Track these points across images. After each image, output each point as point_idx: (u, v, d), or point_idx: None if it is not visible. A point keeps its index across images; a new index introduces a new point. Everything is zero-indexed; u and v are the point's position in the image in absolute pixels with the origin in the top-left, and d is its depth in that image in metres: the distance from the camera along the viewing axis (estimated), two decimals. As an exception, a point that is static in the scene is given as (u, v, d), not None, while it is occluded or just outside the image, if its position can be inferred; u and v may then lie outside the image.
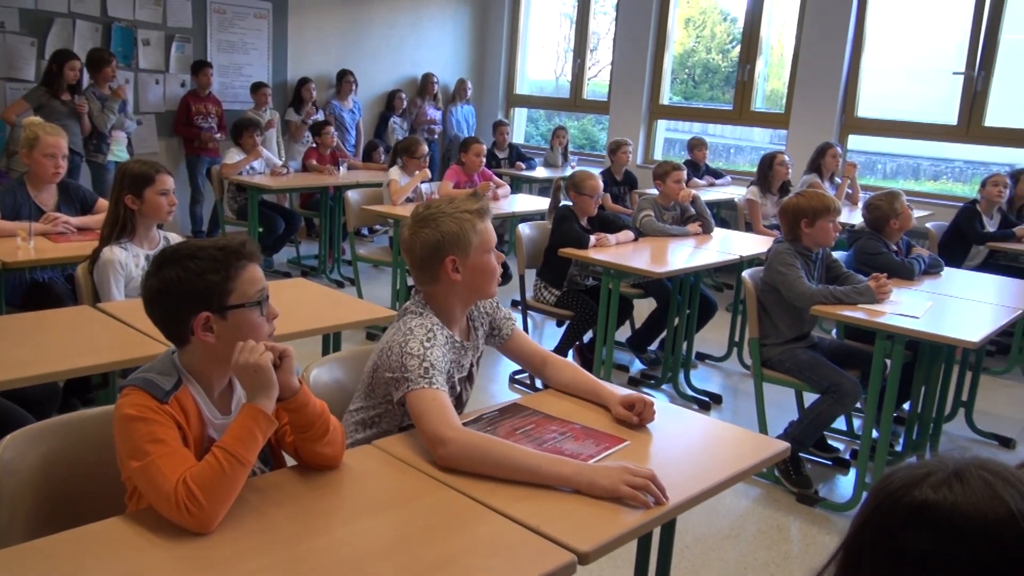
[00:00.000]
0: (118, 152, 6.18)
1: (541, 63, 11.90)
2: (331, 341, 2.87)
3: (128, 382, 1.53)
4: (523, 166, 7.64)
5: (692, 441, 1.99)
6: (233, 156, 6.13)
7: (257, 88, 7.14)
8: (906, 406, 3.81)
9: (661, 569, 2.16)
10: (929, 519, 0.84)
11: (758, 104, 7.90)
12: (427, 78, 8.55)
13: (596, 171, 5.31)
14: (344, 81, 7.81)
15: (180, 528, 1.40)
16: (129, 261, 2.92)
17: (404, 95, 8.39)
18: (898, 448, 3.87)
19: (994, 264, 5.27)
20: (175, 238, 3.01)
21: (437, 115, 8.60)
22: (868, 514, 0.88)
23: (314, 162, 6.64)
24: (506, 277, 5.49)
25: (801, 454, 3.49)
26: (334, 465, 1.68)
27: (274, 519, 1.48)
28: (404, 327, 1.90)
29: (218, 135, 6.90)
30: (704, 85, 13.66)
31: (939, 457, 0.89)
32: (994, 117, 6.45)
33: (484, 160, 5.97)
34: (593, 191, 4.39)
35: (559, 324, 4.90)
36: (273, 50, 7.66)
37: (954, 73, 6.55)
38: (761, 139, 11.84)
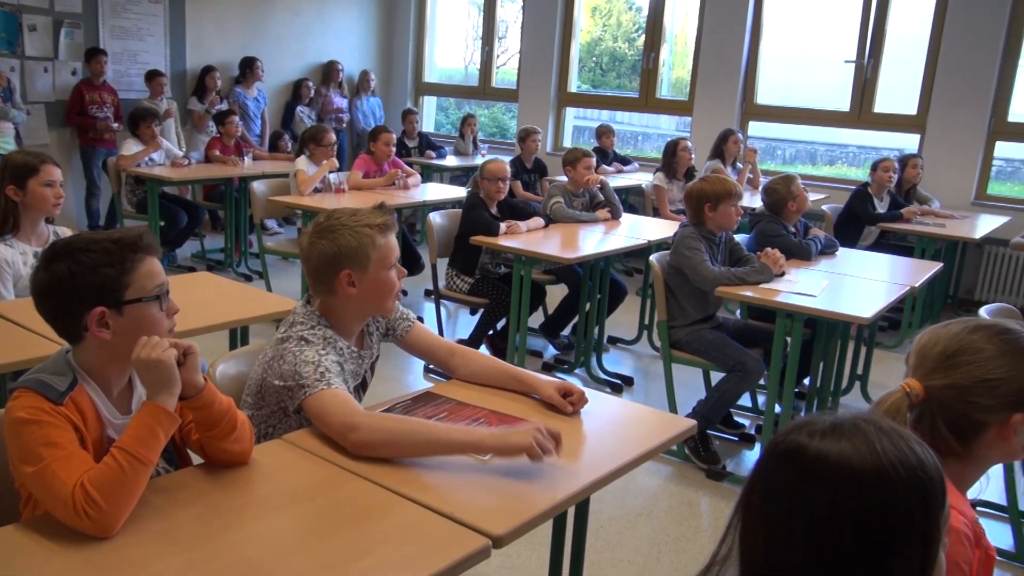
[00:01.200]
0: (4, 144, 5.86)
1: (450, 51, 11.83)
2: (238, 336, 2.80)
3: (18, 384, 1.46)
4: (433, 155, 7.60)
5: (604, 422, 2.03)
6: (130, 147, 5.89)
7: (152, 76, 6.87)
8: (806, 381, 3.97)
9: (576, 549, 2.20)
10: (796, 460, 0.90)
11: (663, 92, 8.07)
12: (331, 65, 8.40)
13: (506, 159, 5.34)
14: (249, 69, 7.60)
15: (80, 534, 1.35)
16: (16, 259, 2.78)
17: (311, 83, 8.23)
18: (800, 422, 4.03)
19: (885, 244, 5.53)
20: (66, 232, 2.87)
21: (344, 103, 8.46)
22: (758, 460, 0.96)
23: (217, 152, 6.44)
24: (418, 267, 5.48)
25: (709, 431, 3.61)
26: (242, 462, 1.64)
27: (180, 519, 1.45)
28: (295, 335, 1.86)
29: (116, 125, 6.62)
30: (611, 73, 13.84)
31: (832, 413, 0.95)
32: (883, 104, 6.77)
33: (394, 150, 5.92)
34: (493, 174, 4.40)
35: (472, 312, 4.91)
36: (170, 37, 7.38)
37: (846, 62, 6.83)
38: (667, 126, 12.09)
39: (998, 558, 2.98)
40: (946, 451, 1.33)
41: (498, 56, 9.19)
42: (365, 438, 1.68)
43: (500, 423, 1.92)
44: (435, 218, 4.54)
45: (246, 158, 6.55)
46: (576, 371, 4.59)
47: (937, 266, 4.21)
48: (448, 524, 1.48)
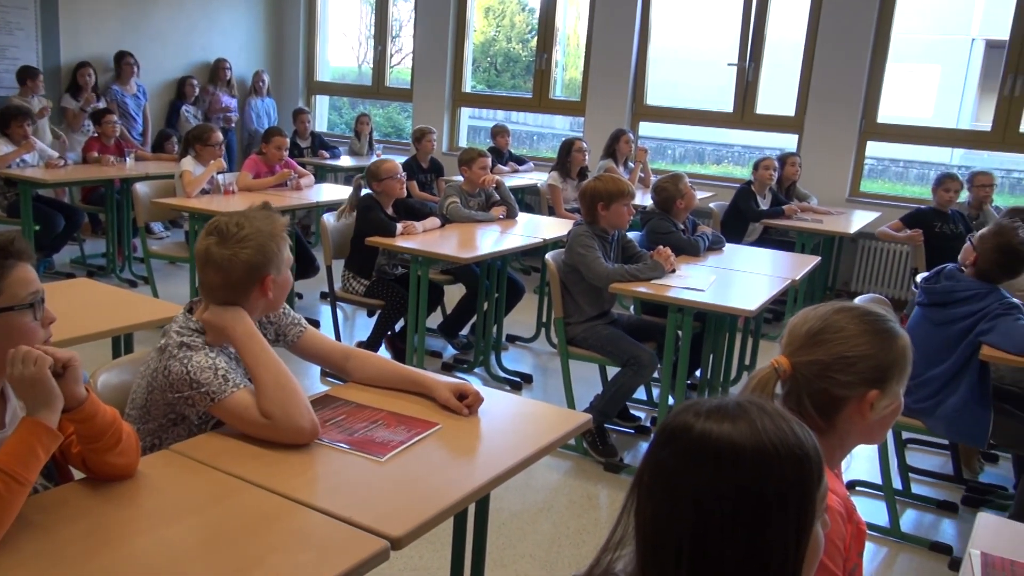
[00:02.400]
0: None
1: (343, 50, 11.65)
2: (122, 344, 2.69)
3: None
4: (326, 155, 7.47)
5: (502, 420, 2.05)
6: (0, 148, 5.55)
7: (24, 73, 6.49)
8: (698, 373, 4.11)
9: (477, 546, 2.21)
10: (682, 439, 0.95)
11: (557, 92, 8.19)
12: (219, 64, 8.14)
13: (402, 159, 5.31)
14: (123, 64, 7.28)
15: (-52, 558, 1.27)
16: None
17: (196, 82, 7.95)
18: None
19: (768, 239, 5.79)
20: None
21: (232, 103, 8.21)
22: (650, 441, 1.00)
23: (95, 153, 6.14)
24: (313, 269, 5.38)
25: (606, 425, 3.69)
26: (128, 475, 1.58)
27: (63, 538, 1.38)
28: (174, 343, 1.80)
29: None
30: (506, 74, 13.97)
31: (720, 396, 1.00)
32: (764, 105, 7.07)
33: (286, 153, 5.78)
34: (390, 172, 4.37)
35: (370, 314, 4.86)
36: (42, 31, 6.99)
37: (728, 64, 7.10)
38: (562, 126, 12.30)
39: (875, 534, 3.17)
40: (812, 428, 1.41)
41: (392, 55, 9.12)
42: (315, 423, 1.77)
43: (399, 424, 1.91)
44: (329, 219, 4.46)
45: (128, 159, 6.27)
46: (475, 370, 4.61)
47: (816, 260, 4.43)
48: (345, 528, 1.46)
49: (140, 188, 5.10)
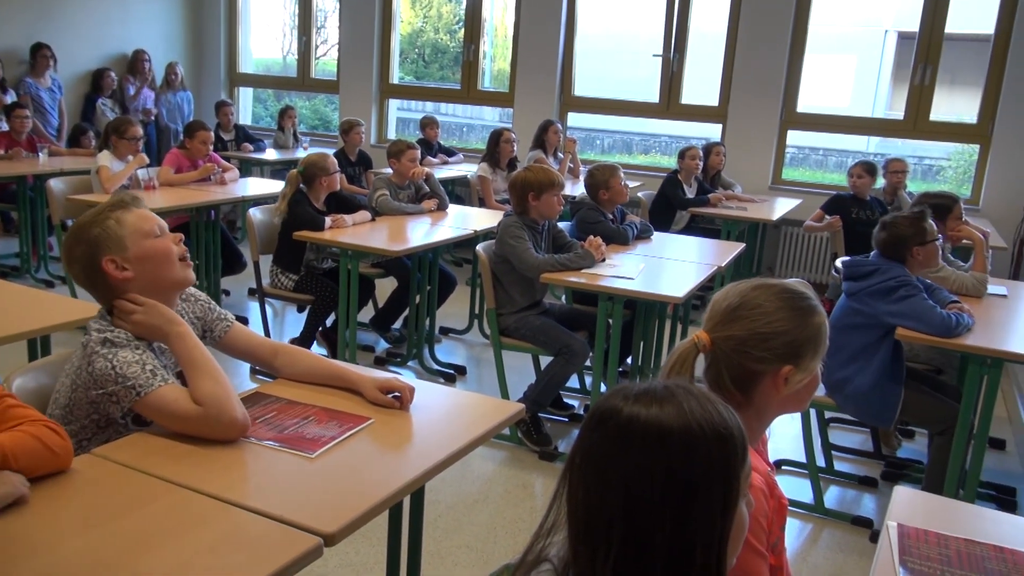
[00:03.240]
0: None
1: (267, 41, 11.40)
2: (38, 346, 2.59)
3: None
4: (251, 148, 7.31)
5: (435, 412, 2.04)
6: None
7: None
8: (629, 360, 4.18)
9: (413, 539, 2.21)
10: (611, 422, 0.97)
11: (486, 83, 8.18)
12: (137, 56, 7.89)
13: (330, 151, 5.22)
14: (39, 56, 6.98)
15: None
16: None
17: (113, 74, 7.68)
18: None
19: (695, 227, 5.90)
20: None
21: (151, 96, 7.97)
22: (581, 425, 1.02)
23: (2, 151, 5.88)
24: (240, 265, 5.27)
25: (540, 414, 3.72)
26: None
27: (-24, 549, 1.33)
28: (96, 339, 1.76)
29: None
30: (435, 65, 13.87)
31: (649, 380, 1.03)
32: (689, 96, 7.20)
33: (211, 147, 5.64)
34: (327, 168, 4.32)
35: (300, 310, 4.79)
36: (-56, 21, 6.67)
37: (654, 55, 7.20)
38: (492, 117, 12.28)
39: (800, 511, 3.27)
40: (731, 402, 1.45)
41: (318, 46, 8.96)
42: (245, 416, 1.74)
43: (330, 420, 1.89)
44: (255, 214, 4.37)
45: (41, 154, 6.03)
46: (409, 363, 4.58)
47: (740, 246, 4.54)
48: (276, 526, 1.44)
49: (55, 184, 4.92)
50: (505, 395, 3.71)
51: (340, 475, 1.64)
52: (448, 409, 2.10)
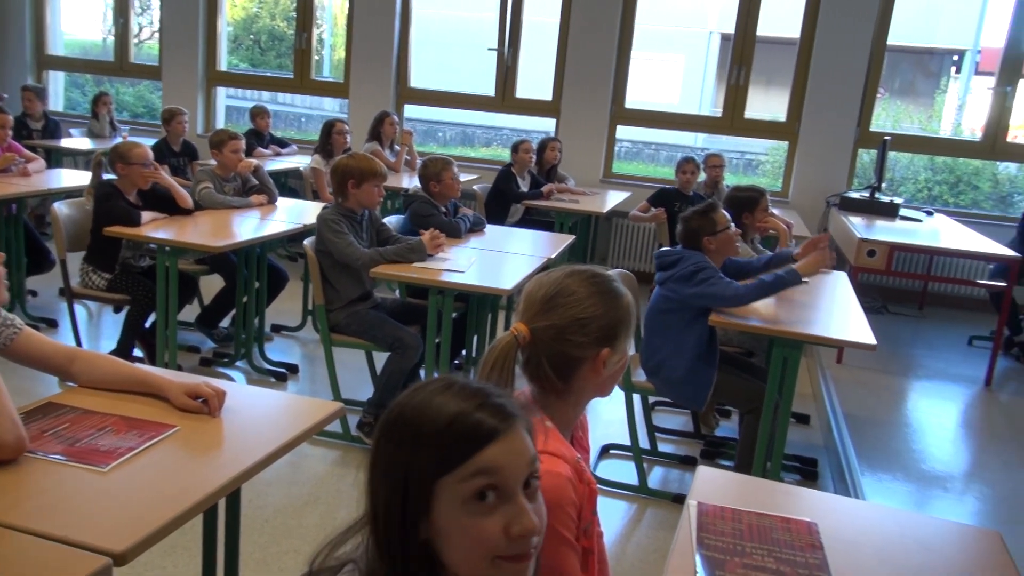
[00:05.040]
0: None
1: (83, 20, 10.61)
2: None
3: None
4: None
5: (249, 415, 1.96)
6: None
7: None
8: (464, 352, 4.20)
9: (230, 547, 2.13)
10: (384, 417, 1.00)
11: (325, 72, 7.99)
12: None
13: (151, 141, 4.93)
14: None
15: None
16: None
17: None
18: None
19: (530, 220, 6.01)
20: None
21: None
22: None
23: None
24: (47, 263, 4.89)
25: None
26: None
27: None
28: None
29: None
30: (271, 52, 13.38)
31: (451, 375, 1.04)
32: (524, 90, 7.31)
33: (11, 133, 5.18)
34: (141, 159, 4.05)
35: (116, 311, 4.49)
36: None
37: (489, 49, 7.26)
38: (331, 108, 11.98)
39: (626, 492, 3.40)
40: (550, 390, 1.48)
41: (142, 29, 8.43)
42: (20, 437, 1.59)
43: (130, 430, 1.78)
44: (61, 208, 4.05)
45: None
46: (238, 363, 4.40)
47: (570, 238, 4.66)
48: (60, 549, 1.33)
49: None
50: (337, 393, 3.64)
51: (136, 488, 1.54)
52: (265, 411, 2.03)
